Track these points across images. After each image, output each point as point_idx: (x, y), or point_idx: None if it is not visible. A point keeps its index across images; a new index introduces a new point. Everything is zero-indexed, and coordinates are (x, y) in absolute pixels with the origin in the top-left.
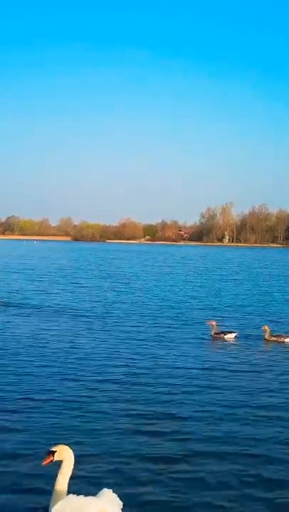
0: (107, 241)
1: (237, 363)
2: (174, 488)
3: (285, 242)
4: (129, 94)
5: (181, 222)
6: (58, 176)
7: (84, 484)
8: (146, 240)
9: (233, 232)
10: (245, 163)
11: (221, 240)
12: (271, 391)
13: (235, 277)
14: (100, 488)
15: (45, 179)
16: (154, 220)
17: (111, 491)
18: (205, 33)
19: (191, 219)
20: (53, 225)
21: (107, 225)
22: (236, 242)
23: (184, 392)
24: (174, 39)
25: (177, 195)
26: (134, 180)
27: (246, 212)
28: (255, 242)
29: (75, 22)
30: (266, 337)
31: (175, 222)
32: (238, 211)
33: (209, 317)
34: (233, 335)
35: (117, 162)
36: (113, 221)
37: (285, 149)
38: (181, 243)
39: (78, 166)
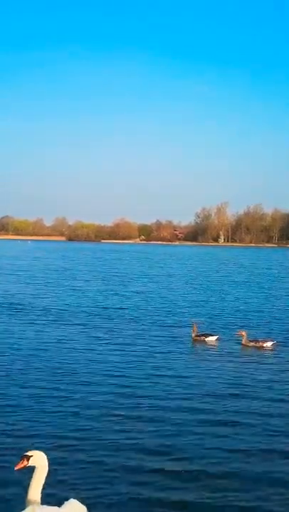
0: (102, 241)
1: (210, 369)
2: (145, 494)
3: (280, 242)
4: (125, 95)
5: (175, 222)
6: (52, 176)
7: (54, 492)
8: (141, 240)
9: (228, 232)
10: (240, 163)
11: (216, 239)
12: (240, 397)
13: (234, 279)
14: (67, 498)
15: (39, 179)
16: (149, 220)
17: (77, 501)
18: (203, 34)
19: (185, 219)
20: (48, 224)
21: (102, 225)
22: (231, 242)
23: (154, 396)
24: (172, 40)
25: (172, 195)
26: (129, 180)
27: (241, 212)
28: (250, 242)
29: (73, 22)
30: (243, 342)
31: (170, 222)
32: (233, 211)
33: (193, 319)
34: (214, 338)
35: (112, 162)
36: (108, 221)
37: (280, 149)
38: (177, 243)
39: (73, 166)
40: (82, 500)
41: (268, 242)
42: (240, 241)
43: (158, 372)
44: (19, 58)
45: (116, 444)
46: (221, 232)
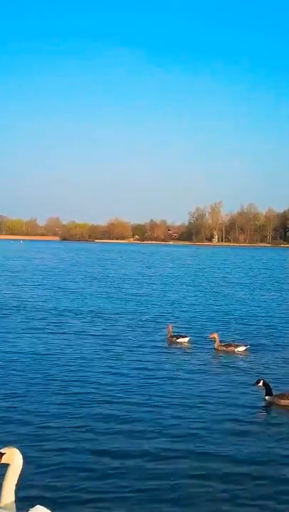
0: (96, 241)
1: (175, 370)
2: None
3: (273, 242)
4: (119, 94)
5: (169, 222)
6: (46, 176)
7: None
8: (135, 240)
9: (222, 231)
10: (234, 162)
11: (210, 239)
12: (205, 403)
13: (222, 280)
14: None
15: (33, 179)
16: (143, 220)
17: (43, 508)
18: (200, 32)
19: (179, 219)
20: (41, 224)
21: (96, 224)
22: (225, 241)
23: (117, 398)
24: (167, 38)
25: (166, 194)
26: (123, 180)
27: (235, 211)
28: (244, 242)
29: (70, 22)
30: (215, 346)
31: (164, 221)
32: (227, 211)
33: (168, 321)
34: (186, 339)
35: (105, 162)
36: (102, 221)
37: (275, 149)
38: (171, 243)
39: (67, 166)
40: (50, 505)
41: (261, 241)
42: (234, 241)
43: (122, 371)
44: (6, 58)
45: (89, 445)
46: (214, 232)
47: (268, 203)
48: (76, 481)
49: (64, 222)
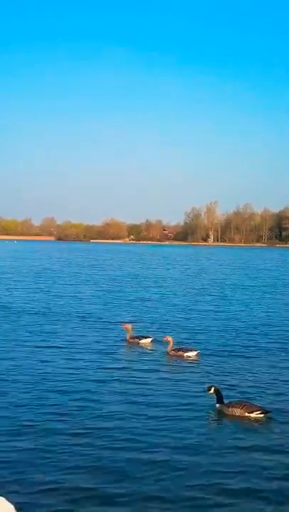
0: (91, 241)
1: (120, 374)
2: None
3: (269, 242)
4: (118, 95)
5: (164, 222)
6: (41, 176)
7: None
8: (130, 240)
9: (217, 231)
10: (230, 162)
11: (205, 239)
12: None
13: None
14: None
15: (28, 179)
16: (138, 220)
17: (4, 499)
18: (199, 32)
19: (174, 219)
20: (36, 224)
21: (91, 224)
22: (221, 241)
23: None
24: (168, 38)
25: (161, 194)
26: (118, 180)
27: (231, 211)
28: (240, 242)
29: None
30: (168, 350)
31: (159, 221)
32: (223, 211)
33: (127, 320)
34: (149, 340)
35: (100, 162)
36: (97, 221)
37: (271, 149)
38: (166, 243)
39: (62, 165)
40: (11, 498)
41: (257, 241)
42: (230, 241)
43: (71, 372)
44: (12, 54)
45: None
46: (210, 232)
47: (264, 203)
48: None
49: (59, 222)
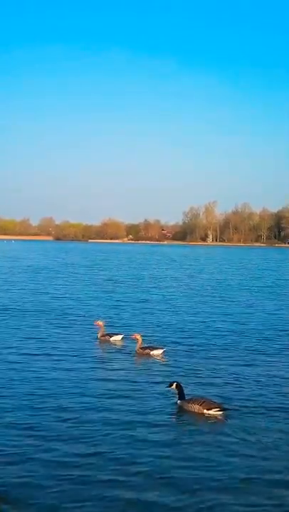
0: (90, 241)
1: (87, 371)
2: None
3: (268, 241)
4: (115, 95)
5: (163, 222)
6: (39, 176)
7: None
8: (129, 240)
9: (216, 231)
10: (229, 162)
11: (204, 239)
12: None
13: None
14: None
15: (26, 179)
16: (137, 220)
17: None
18: (199, 32)
19: (173, 218)
20: (34, 224)
21: (89, 224)
22: (220, 241)
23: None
24: (167, 38)
25: (160, 194)
26: (116, 180)
27: (229, 211)
28: (239, 242)
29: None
30: (136, 348)
31: (157, 221)
32: (221, 210)
33: (100, 316)
34: (120, 337)
35: (98, 162)
36: (95, 221)
37: (269, 149)
38: (165, 243)
39: (61, 166)
40: None
41: (256, 241)
42: (229, 240)
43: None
44: (12, 54)
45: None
46: (209, 232)
47: (263, 203)
48: None
49: (57, 222)
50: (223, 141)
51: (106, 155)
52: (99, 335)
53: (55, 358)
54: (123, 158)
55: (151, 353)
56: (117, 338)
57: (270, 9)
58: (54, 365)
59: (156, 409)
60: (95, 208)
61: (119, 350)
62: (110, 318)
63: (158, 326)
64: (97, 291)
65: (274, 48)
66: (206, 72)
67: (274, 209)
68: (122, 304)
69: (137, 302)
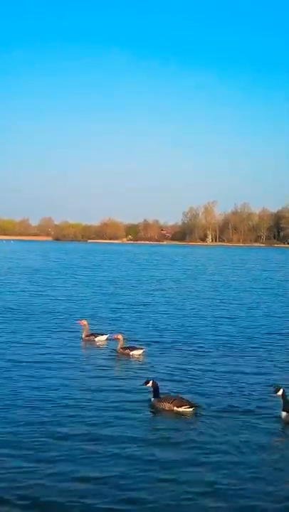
0: (89, 241)
1: (67, 370)
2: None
3: (267, 242)
4: (115, 95)
5: (162, 222)
6: (39, 176)
7: None
8: (128, 240)
9: (215, 231)
10: (228, 162)
11: (203, 239)
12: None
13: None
14: None
15: (25, 179)
16: (136, 220)
17: None
18: (199, 32)
19: (172, 219)
20: (34, 224)
21: (89, 224)
22: (219, 241)
23: None
24: (167, 38)
25: (159, 194)
26: (116, 180)
27: (229, 211)
28: (238, 242)
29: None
30: (117, 348)
31: (156, 221)
32: (221, 210)
33: (84, 316)
34: (104, 337)
35: (98, 162)
36: (95, 221)
37: (268, 149)
38: (165, 243)
39: (60, 166)
40: None
41: (255, 241)
42: (228, 241)
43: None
44: (12, 54)
45: None
46: (208, 232)
47: (262, 203)
48: None
49: (57, 222)
50: (223, 141)
51: (106, 155)
52: (83, 335)
53: (37, 357)
54: (123, 158)
55: (131, 353)
56: (101, 339)
57: (270, 9)
58: (32, 365)
59: (127, 407)
60: (95, 208)
61: (101, 350)
62: (93, 318)
63: (147, 326)
64: (96, 292)
65: (274, 48)
66: (206, 72)
67: (273, 209)
68: (118, 304)
69: (133, 304)
